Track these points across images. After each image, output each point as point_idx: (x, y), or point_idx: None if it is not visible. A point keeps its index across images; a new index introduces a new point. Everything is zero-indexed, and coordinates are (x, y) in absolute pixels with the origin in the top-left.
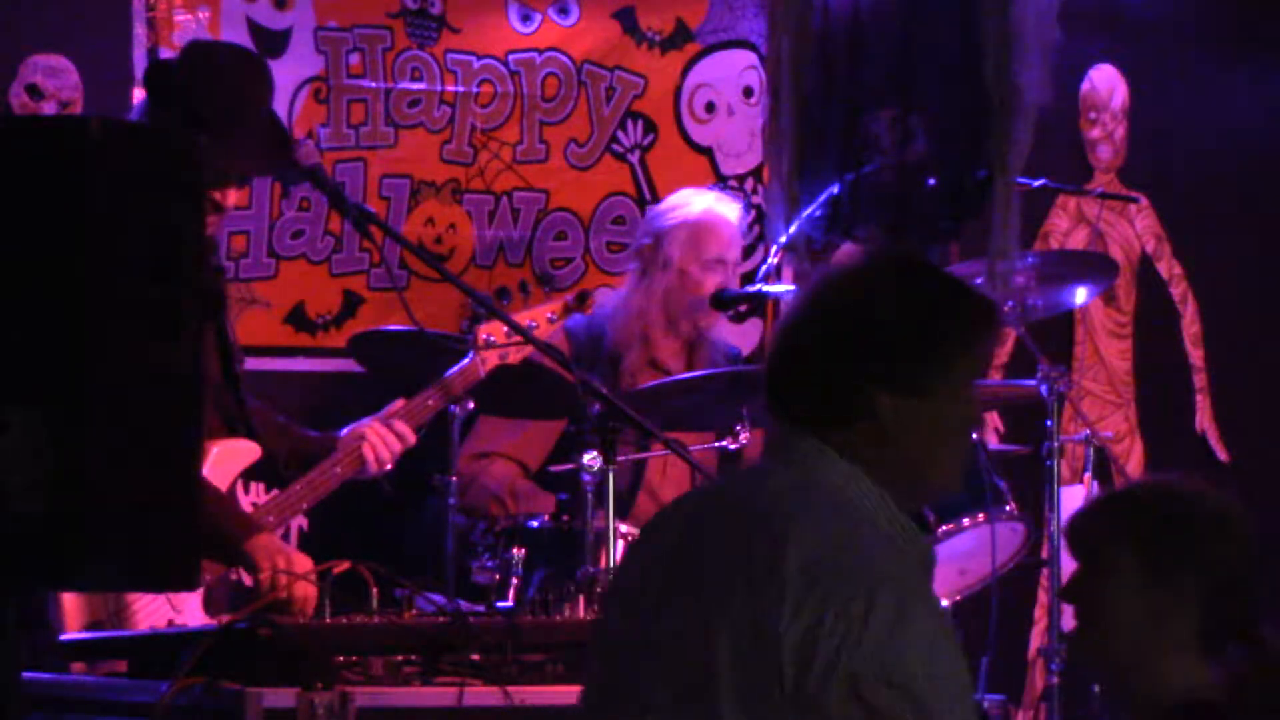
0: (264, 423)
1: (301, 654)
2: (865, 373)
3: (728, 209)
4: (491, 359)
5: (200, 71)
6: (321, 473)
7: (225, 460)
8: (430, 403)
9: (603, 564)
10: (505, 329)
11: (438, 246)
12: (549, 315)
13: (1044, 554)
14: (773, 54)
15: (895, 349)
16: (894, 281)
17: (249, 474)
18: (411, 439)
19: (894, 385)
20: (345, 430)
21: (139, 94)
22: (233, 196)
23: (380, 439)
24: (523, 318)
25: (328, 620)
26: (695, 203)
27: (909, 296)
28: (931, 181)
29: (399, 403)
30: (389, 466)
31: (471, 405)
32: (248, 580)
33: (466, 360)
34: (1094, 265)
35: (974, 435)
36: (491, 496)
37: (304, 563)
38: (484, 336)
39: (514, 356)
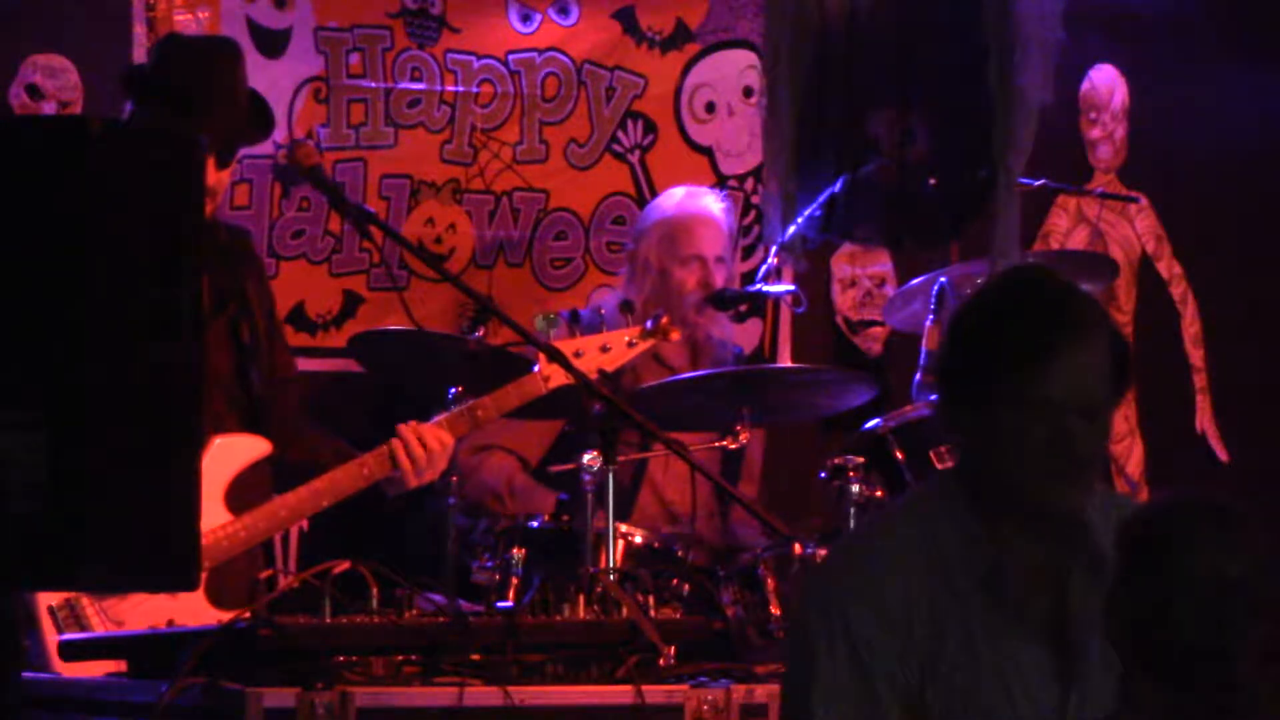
0: (280, 422)
1: (301, 654)
2: (945, 387)
3: (703, 204)
4: (556, 376)
5: (174, 60)
6: (346, 472)
7: (224, 454)
8: (479, 413)
9: (603, 564)
10: (573, 348)
11: (438, 246)
12: (628, 340)
13: None
14: (771, 54)
15: (954, 362)
16: (976, 298)
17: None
18: (450, 443)
19: (959, 397)
20: None
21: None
22: (212, 175)
23: (412, 439)
24: (602, 338)
25: (328, 620)
26: (669, 201)
27: (975, 312)
28: (931, 181)
29: (441, 414)
30: (427, 470)
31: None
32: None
33: (527, 375)
34: (1094, 265)
35: (1063, 446)
36: (490, 492)
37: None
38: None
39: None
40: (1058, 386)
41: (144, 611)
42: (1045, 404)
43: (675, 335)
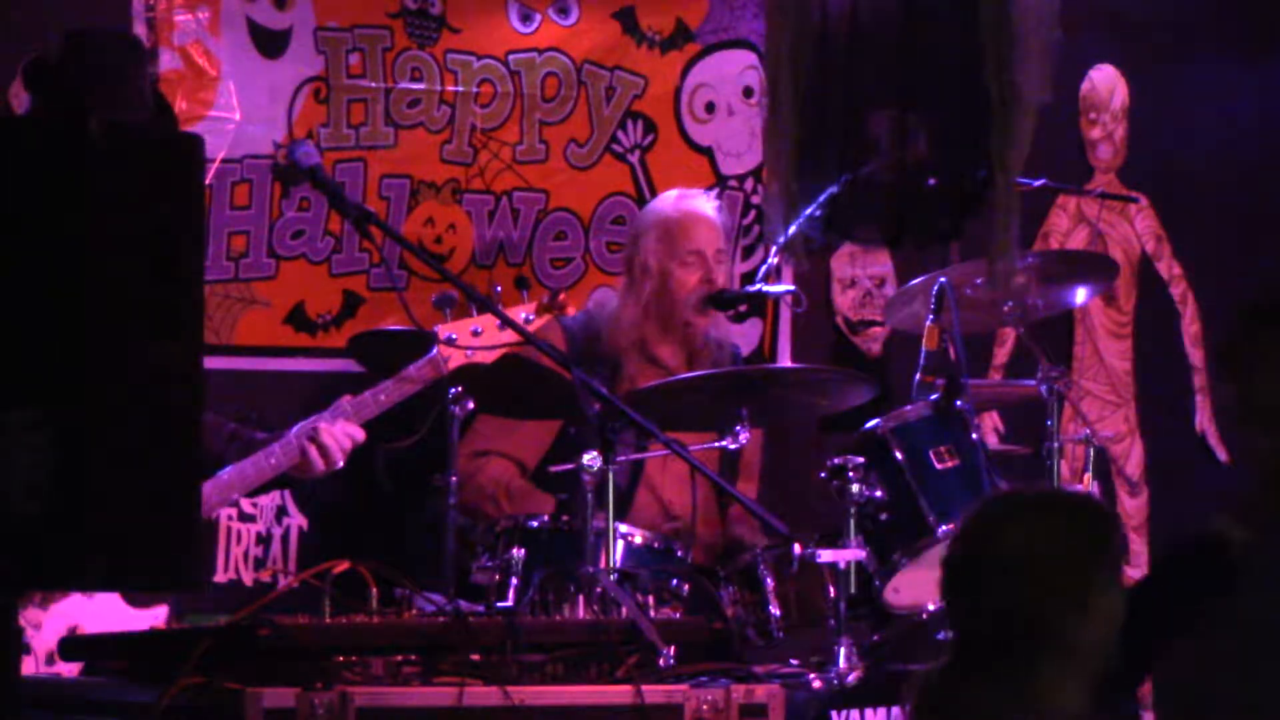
0: None
1: (301, 654)
2: None
3: (698, 203)
4: (456, 357)
5: (72, 57)
6: (254, 464)
7: None
8: (382, 398)
9: (603, 564)
10: (470, 326)
11: (438, 246)
12: (524, 315)
13: None
14: (772, 54)
15: None
16: None
17: None
18: (360, 436)
19: None
20: (295, 428)
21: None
22: None
23: (322, 433)
24: (497, 317)
25: (328, 620)
26: (664, 203)
27: None
28: (931, 181)
29: (345, 399)
30: (339, 464)
31: (471, 405)
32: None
33: (426, 357)
34: (1094, 265)
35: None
36: (486, 497)
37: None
38: (445, 334)
39: (484, 356)
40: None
41: (61, 610)
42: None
43: (571, 310)
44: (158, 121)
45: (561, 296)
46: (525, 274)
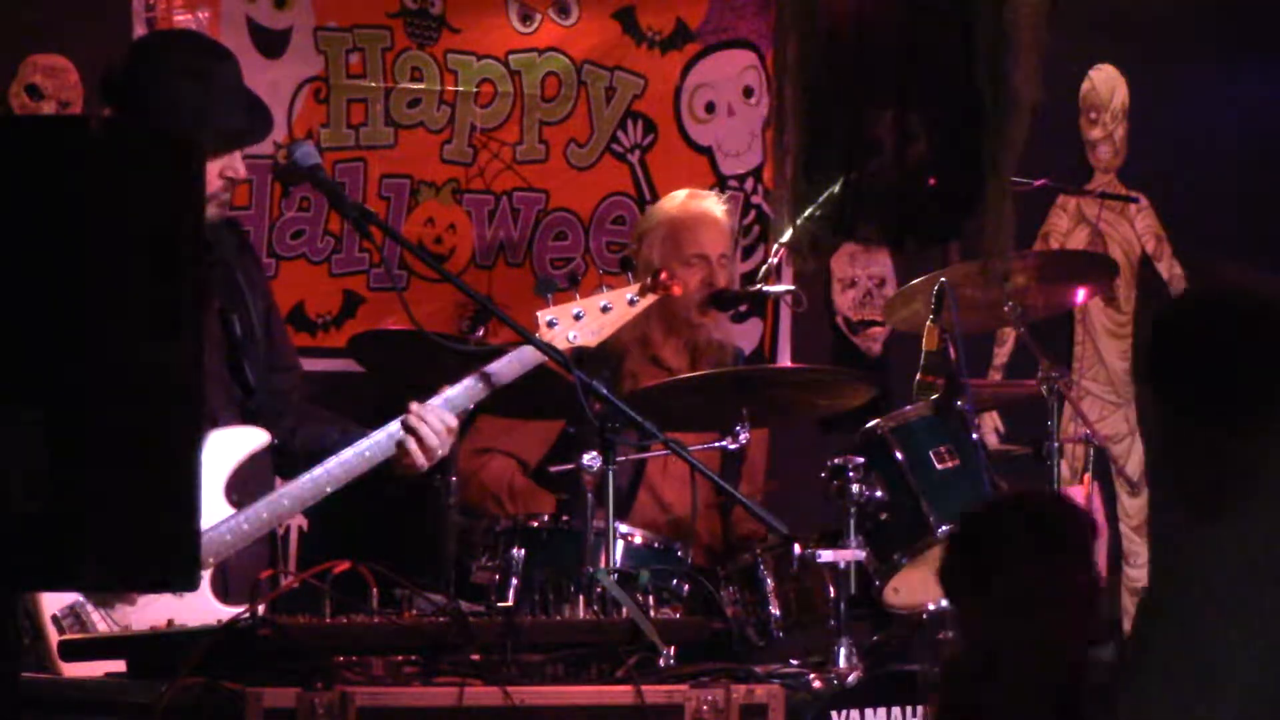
0: (283, 410)
1: (301, 654)
2: None
3: (708, 204)
4: (559, 341)
5: (161, 69)
6: (351, 458)
7: (222, 447)
8: (481, 385)
9: (603, 564)
10: (572, 310)
11: (438, 246)
12: (629, 296)
13: None
14: (779, 55)
15: None
16: None
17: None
18: (454, 423)
19: None
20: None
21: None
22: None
23: (417, 423)
24: (602, 297)
25: (328, 620)
26: (672, 203)
27: None
28: (931, 181)
29: (444, 388)
30: (439, 450)
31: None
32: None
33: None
34: (1094, 265)
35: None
36: (489, 495)
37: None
38: (547, 318)
39: (589, 339)
40: None
41: (151, 613)
42: None
43: (677, 290)
44: (252, 121)
45: (664, 275)
46: (631, 255)
